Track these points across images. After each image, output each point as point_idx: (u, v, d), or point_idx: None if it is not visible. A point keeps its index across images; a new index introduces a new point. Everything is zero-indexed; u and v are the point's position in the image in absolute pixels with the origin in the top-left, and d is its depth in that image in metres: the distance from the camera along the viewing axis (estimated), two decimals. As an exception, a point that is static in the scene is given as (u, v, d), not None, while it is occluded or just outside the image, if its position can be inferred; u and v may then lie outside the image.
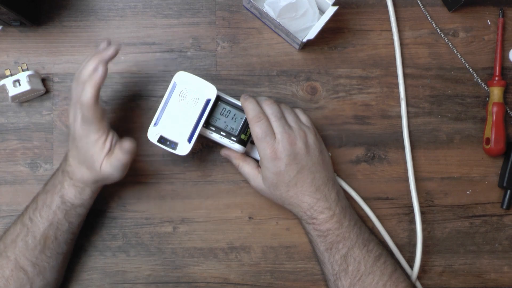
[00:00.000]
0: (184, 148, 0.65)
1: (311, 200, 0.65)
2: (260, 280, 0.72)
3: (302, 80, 0.73)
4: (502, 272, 0.72)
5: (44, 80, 0.72)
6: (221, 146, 0.69)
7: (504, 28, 0.73)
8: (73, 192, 0.63)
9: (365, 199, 0.72)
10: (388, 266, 0.64)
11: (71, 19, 0.73)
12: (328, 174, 0.66)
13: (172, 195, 0.72)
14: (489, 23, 0.74)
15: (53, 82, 0.73)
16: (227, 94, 0.68)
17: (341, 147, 0.73)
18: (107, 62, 0.60)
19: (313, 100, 0.73)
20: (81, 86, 0.60)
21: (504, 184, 0.71)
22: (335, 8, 0.67)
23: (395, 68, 0.73)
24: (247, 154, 0.70)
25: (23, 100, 0.72)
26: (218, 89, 0.66)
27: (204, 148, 0.73)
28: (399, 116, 0.73)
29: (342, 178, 0.72)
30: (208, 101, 0.65)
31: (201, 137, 0.68)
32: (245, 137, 0.68)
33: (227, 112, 0.68)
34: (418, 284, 0.71)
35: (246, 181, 0.69)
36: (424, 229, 0.71)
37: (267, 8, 0.70)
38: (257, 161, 0.69)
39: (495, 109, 0.71)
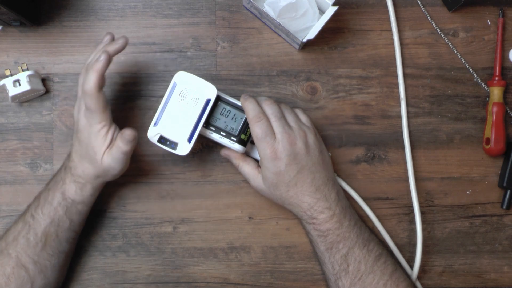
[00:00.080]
0: (184, 148, 0.65)
1: (311, 200, 0.65)
2: (260, 280, 0.72)
3: (302, 80, 0.73)
4: (502, 272, 0.72)
5: (44, 80, 0.72)
6: (221, 146, 0.69)
7: (504, 28, 0.73)
8: (73, 188, 0.63)
9: (365, 199, 0.72)
10: (389, 266, 0.64)
11: (71, 19, 0.73)
12: (328, 174, 0.66)
13: (172, 195, 0.72)
14: (489, 23, 0.74)
15: (53, 82, 0.73)
16: (227, 94, 0.68)
17: (341, 147, 0.73)
18: (112, 54, 0.61)
19: (313, 100, 0.73)
20: (85, 75, 0.61)
21: (504, 184, 0.71)
22: (335, 8, 0.67)
23: (395, 68, 0.73)
24: (247, 154, 0.70)
25: (23, 100, 0.72)
26: (218, 89, 0.66)
27: (204, 148, 0.73)
28: (399, 116, 0.73)
29: (342, 178, 0.72)
30: (208, 101, 0.65)
31: (201, 137, 0.68)
32: (245, 137, 0.68)
33: (227, 112, 0.67)
34: (418, 284, 0.71)
35: (246, 181, 0.69)
36: (424, 229, 0.71)
37: (267, 8, 0.70)
38: (257, 161, 0.69)
39: (495, 109, 0.71)
